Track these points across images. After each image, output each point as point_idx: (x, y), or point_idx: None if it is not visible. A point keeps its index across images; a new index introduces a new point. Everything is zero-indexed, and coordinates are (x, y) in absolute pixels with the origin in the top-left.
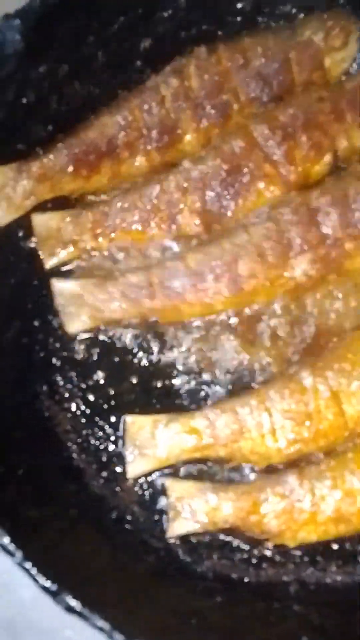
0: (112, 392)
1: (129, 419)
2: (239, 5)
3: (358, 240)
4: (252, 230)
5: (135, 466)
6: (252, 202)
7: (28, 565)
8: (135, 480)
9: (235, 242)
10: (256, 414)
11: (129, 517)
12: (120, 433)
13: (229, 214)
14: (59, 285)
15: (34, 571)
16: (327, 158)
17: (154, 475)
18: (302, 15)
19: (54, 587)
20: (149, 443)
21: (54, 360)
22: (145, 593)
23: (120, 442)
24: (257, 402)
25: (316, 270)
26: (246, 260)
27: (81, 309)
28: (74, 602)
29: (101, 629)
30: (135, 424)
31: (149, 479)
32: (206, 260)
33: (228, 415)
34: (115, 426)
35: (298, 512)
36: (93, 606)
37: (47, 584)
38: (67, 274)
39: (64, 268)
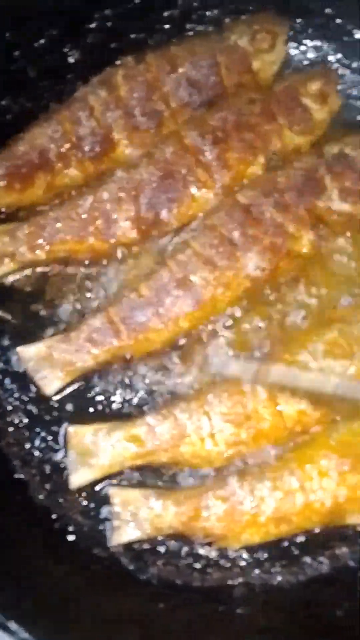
0: (53, 403)
1: (71, 429)
2: (166, 14)
3: (298, 221)
4: (193, 243)
5: (78, 476)
6: (187, 207)
7: None
8: (79, 490)
9: (180, 258)
10: (195, 418)
11: (72, 528)
12: (62, 444)
13: (165, 220)
14: (25, 351)
15: None
16: (261, 159)
17: (98, 485)
18: (229, 20)
19: None
20: (91, 452)
21: None
22: (87, 603)
23: (62, 453)
24: (196, 406)
25: (268, 261)
26: (197, 272)
27: (53, 368)
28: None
29: None
30: (77, 433)
31: (94, 488)
32: (159, 285)
33: (168, 421)
34: (57, 437)
35: (239, 514)
36: (20, 620)
37: None
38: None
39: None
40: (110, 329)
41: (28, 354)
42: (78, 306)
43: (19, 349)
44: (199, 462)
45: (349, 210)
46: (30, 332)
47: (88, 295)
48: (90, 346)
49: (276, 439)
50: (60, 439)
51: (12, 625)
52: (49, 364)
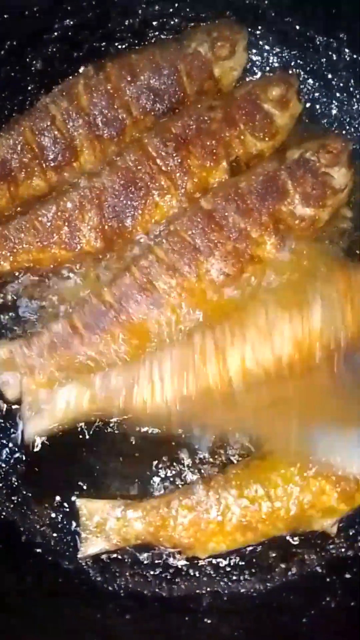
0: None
1: (25, 381)
2: (126, 22)
3: (261, 226)
4: (157, 250)
5: (33, 424)
6: (150, 214)
7: None
8: (48, 504)
9: (143, 265)
10: (147, 370)
11: (39, 540)
12: (31, 457)
13: (129, 227)
14: None
15: None
16: (224, 165)
17: (66, 497)
18: (189, 28)
19: None
20: (45, 401)
21: None
22: (50, 616)
23: (30, 464)
24: (149, 360)
25: (231, 266)
26: (160, 278)
27: (14, 372)
28: None
29: None
30: (34, 387)
31: (62, 501)
32: (122, 290)
33: (122, 373)
34: (24, 448)
35: (206, 523)
36: None
37: None
38: None
39: None
40: (72, 335)
41: None
42: (41, 313)
43: None
44: (149, 419)
45: (311, 215)
46: None
47: (51, 301)
48: (52, 351)
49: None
50: (27, 450)
51: None
52: (11, 368)
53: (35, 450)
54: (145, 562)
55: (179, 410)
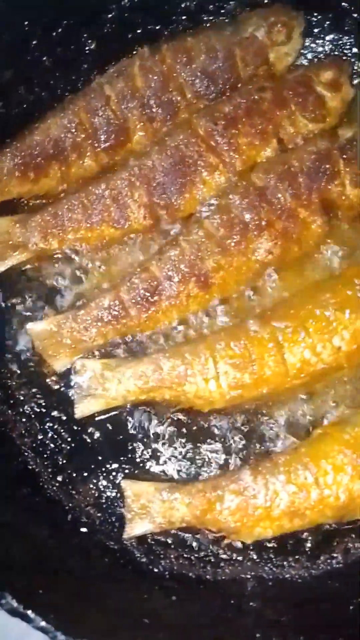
0: (63, 394)
1: (79, 362)
2: (183, 5)
3: (310, 207)
4: (207, 224)
5: (84, 406)
6: (198, 192)
7: None
8: (92, 482)
9: (192, 240)
10: (202, 359)
11: (84, 519)
12: (77, 437)
13: (177, 205)
14: (34, 328)
15: None
16: (273, 143)
17: (111, 477)
18: (244, 12)
19: None
20: (99, 384)
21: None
22: (98, 595)
23: (74, 445)
24: (203, 348)
25: (278, 247)
26: (208, 255)
27: (62, 345)
28: (16, 604)
29: (44, 630)
30: (85, 365)
31: (107, 482)
32: (169, 265)
33: (175, 360)
34: (70, 429)
35: (253, 508)
36: (38, 608)
37: None
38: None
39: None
40: (119, 308)
41: (37, 330)
42: (87, 287)
43: (29, 325)
44: (201, 403)
45: None
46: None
47: (97, 276)
48: (98, 325)
49: (277, 385)
50: (74, 432)
51: (30, 613)
52: (57, 340)
53: (81, 430)
54: (189, 545)
55: (232, 395)
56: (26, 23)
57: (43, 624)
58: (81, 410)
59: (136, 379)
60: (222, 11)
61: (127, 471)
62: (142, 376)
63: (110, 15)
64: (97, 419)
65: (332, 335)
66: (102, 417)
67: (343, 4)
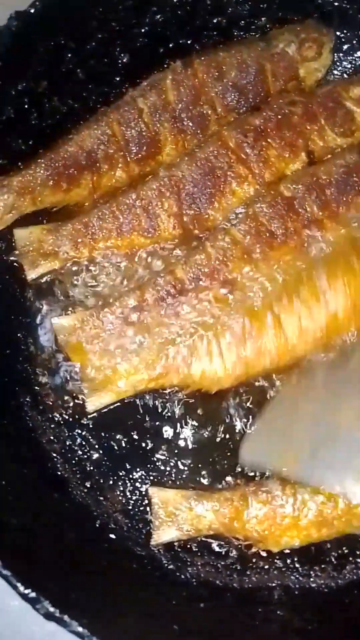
0: None
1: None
2: (215, 20)
3: (335, 218)
4: (233, 231)
5: (95, 399)
6: (227, 202)
7: (7, 572)
8: (120, 491)
9: (218, 245)
10: (205, 340)
11: (112, 526)
12: (105, 443)
13: (206, 215)
14: (58, 323)
15: (13, 579)
16: (302, 156)
17: (138, 484)
18: (275, 28)
19: (33, 594)
20: (108, 379)
21: (37, 371)
22: (127, 600)
23: (104, 451)
24: (205, 329)
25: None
26: (233, 261)
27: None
28: (52, 609)
29: (80, 635)
30: (92, 361)
31: (134, 488)
32: (194, 269)
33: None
34: (97, 436)
35: (281, 517)
36: (72, 613)
37: (27, 591)
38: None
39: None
40: (141, 308)
41: (61, 325)
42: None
43: (54, 320)
44: (209, 384)
45: None
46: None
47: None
48: (123, 323)
49: (279, 358)
50: (101, 437)
51: (66, 618)
52: (77, 336)
53: (109, 437)
54: (215, 552)
55: (237, 372)
56: (60, 36)
57: (79, 628)
58: (93, 404)
59: (144, 367)
60: (253, 27)
61: (154, 478)
62: (150, 364)
63: (143, 30)
64: (124, 427)
65: (326, 301)
66: (129, 424)
67: None
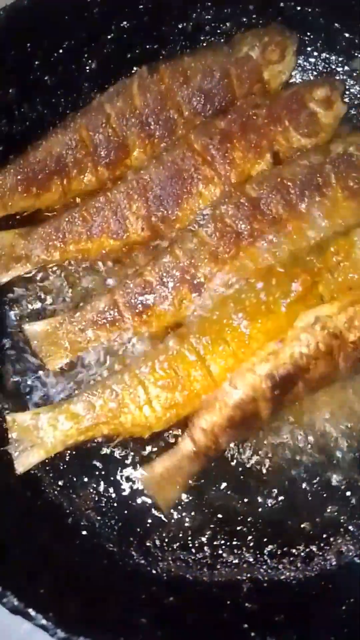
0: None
1: (9, 417)
2: (180, 26)
3: (300, 220)
4: (201, 233)
5: (23, 460)
6: (194, 203)
7: None
8: (92, 487)
9: (186, 247)
10: (132, 389)
11: (84, 523)
12: None
13: (174, 217)
14: (31, 329)
15: None
16: (267, 157)
17: (111, 481)
18: (239, 33)
19: None
20: (34, 436)
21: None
22: (97, 594)
23: (76, 450)
24: (130, 377)
25: (270, 254)
26: (201, 262)
27: (57, 345)
28: (17, 603)
29: (45, 628)
30: (16, 420)
31: (107, 487)
32: (163, 271)
33: (105, 395)
34: None
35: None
36: (38, 606)
37: None
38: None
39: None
40: (114, 311)
41: (34, 330)
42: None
43: (26, 326)
44: (140, 430)
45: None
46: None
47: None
48: (94, 326)
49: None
50: None
51: (31, 611)
52: (54, 340)
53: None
54: (186, 547)
55: (168, 416)
56: (28, 44)
57: (43, 621)
58: (22, 464)
59: (70, 422)
60: (218, 31)
61: (124, 474)
62: (76, 418)
63: (110, 36)
64: None
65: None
66: None
67: (335, 24)
